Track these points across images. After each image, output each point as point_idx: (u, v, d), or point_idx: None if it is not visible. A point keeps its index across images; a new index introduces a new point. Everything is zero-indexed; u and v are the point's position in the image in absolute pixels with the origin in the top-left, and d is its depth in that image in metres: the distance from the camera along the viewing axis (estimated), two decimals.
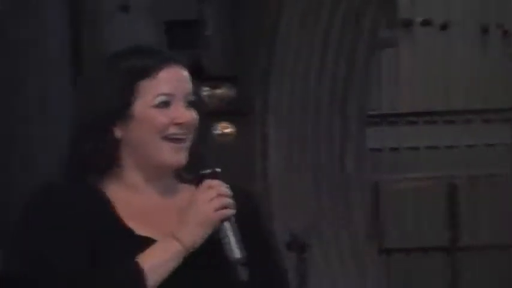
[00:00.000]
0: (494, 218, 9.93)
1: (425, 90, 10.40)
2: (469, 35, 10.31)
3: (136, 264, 1.59)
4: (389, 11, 8.76)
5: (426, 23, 10.21)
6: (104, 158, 1.72)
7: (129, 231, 1.67)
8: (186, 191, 1.78)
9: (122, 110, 1.68)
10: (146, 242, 1.66)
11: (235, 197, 1.71)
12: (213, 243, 1.66)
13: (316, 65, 8.25)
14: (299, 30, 8.17)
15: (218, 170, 1.74)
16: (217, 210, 1.65)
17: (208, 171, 1.72)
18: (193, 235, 1.66)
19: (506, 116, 10.52)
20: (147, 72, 1.69)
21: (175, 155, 1.70)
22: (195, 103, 1.74)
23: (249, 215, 1.76)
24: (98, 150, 1.70)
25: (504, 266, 9.94)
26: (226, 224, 1.66)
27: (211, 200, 1.66)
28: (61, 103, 7.22)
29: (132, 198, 1.74)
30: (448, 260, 10.15)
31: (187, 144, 1.72)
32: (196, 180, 1.74)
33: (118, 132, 1.69)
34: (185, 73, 1.74)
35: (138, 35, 7.49)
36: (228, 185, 1.71)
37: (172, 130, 1.69)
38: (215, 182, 1.70)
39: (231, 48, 8.07)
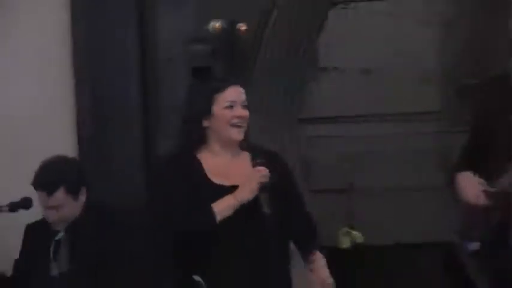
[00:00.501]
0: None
1: None
2: None
3: (211, 207, 2.97)
4: None
5: None
6: (198, 138, 3.15)
7: (211, 182, 3.09)
8: (244, 154, 3.19)
9: (207, 110, 3.10)
10: (221, 188, 3.06)
11: (271, 162, 3.13)
12: (255, 202, 3.00)
13: None
14: None
15: (263, 160, 3.11)
16: (259, 186, 3.00)
17: (260, 160, 3.09)
18: (244, 196, 3.01)
19: None
20: (220, 89, 3.12)
21: (237, 135, 3.08)
22: (247, 106, 3.18)
23: (284, 174, 3.20)
24: (195, 133, 3.14)
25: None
26: (263, 194, 3.01)
27: (257, 179, 3.02)
28: None
29: (214, 160, 3.16)
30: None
31: (243, 129, 3.12)
32: (253, 162, 3.11)
33: (205, 123, 3.10)
34: (241, 89, 3.17)
35: None
36: (267, 154, 3.18)
37: (235, 121, 3.08)
38: (262, 168, 3.06)
39: None
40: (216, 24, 5.07)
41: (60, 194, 4.14)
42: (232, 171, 3.16)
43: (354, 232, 7.94)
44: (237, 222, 3.05)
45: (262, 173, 3.07)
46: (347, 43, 9.25)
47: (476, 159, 4.19)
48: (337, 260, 4.10)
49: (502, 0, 6.74)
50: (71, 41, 6.24)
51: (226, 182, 3.11)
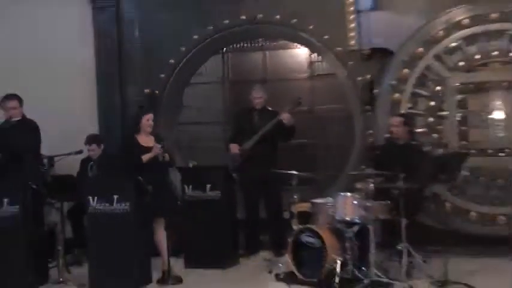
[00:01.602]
0: None
1: None
2: None
3: (141, 156, 7.78)
4: None
5: None
6: (137, 129, 8.11)
7: (142, 145, 7.88)
8: (152, 136, 8.05)
9: (140, 119, 8.07)
10: (146, 148, 7.84)
11: (161, 140, 8.14)
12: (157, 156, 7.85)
13: None
14: None
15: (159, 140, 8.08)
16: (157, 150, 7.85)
17: (158, 139, 8.06)
18: (152, 154, 7.76)
19: None
20: (145, 113, 8.21)
21: (149, 129, 8.15)
22: (152, 119, 8.15)
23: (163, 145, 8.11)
24: (136, 128, 8.13)
25: None
26: (160, 153, 7.91)
27: (157, 147, 7.86)
28: None
29: (142, 138, 7.96)
30: None
31: (151, 127, 8.13)
32: (156, 140, 7.99)
33: (140, 124, 8.12)
34: (152, 114, 8.23)
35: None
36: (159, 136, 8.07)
37: (149, 124, 8.11)
38: (158, 144, 7.97)
39: None
40: (147, 91, 9.86)
41: (95, 146, 9.38)
42: (149, 143, 7.91)
43: None
44: (151, 162, 7.83)
45: (158, 146, 7.82)
46: None
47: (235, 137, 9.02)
48: None
49: None
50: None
51: (146, 146, 7.89)
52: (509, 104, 8.74)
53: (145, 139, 8.13)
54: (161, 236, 7.89)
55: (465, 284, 7.17)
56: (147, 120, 8.15)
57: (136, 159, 7.91)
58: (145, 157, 7.93)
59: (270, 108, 9.29)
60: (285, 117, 8.91)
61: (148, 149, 7.97)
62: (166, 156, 8.05)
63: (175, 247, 8.30)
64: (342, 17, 9.48)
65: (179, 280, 7.96)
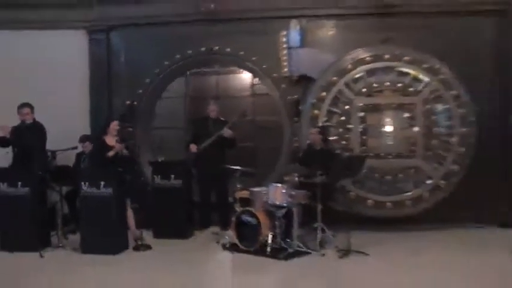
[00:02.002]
0: None
1: None
2: None
3: (108, 153, 7.93)
4: None
5: None
6: (105, 132, 8.19)
7: (107, 144, 7.98)
8: (115, 138, 8.14)
9: (109, 124, 8.23)
10: (110, 147, 7.94)
11: (124, 141, 8.28)
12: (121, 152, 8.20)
13: None
14: None
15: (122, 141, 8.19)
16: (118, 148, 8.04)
17: (120, 140, 8.19)
18: (114, 152, 7.92)
19: None
20: (113, 120, 8.29)
21: (115, 133, 8.22)
22: (120, 125, 8.29)
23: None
24: (104, 131, 8.28)
25: None
26: (123, 150, 8.09)
27: (120, 146, 8.01)
28: None
29: (109, 139, 8.01)
30: None
31: (116, 131, 8.23)
32: (117, 140, 8.16)
33: (108, 128, 8.24)
34: (117, 122, 8.27)
35: None
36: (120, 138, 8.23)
37: (115, 129, 8.21)
38: (120, 145, 8.13)
39: None
40: (127, 102, 9.76)
41: (87, 143, 9.13)
42: (113, 143, 7.99)
43: None
44: (114, 157, 7.95)
45: (119, 145, 7.96)
46: None
47: (194, 139, 9.28)
48: None
49: None
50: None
51: (111, 145, 8.00)
52: (396, 120, 8.83)
53: (111, 140, 8.21)
54: (129, 213, 8.08)
55: (362, 252, 7.34)
56: (114, 125, 8.24)
57: (102, 155, 8.07)
58: (109, 153, 8.04)
59: (222, 118, 9.26)
60: (227, 132, 8.96)
61: (111, 147, 8.12)
62: (125, 151, 8.17)
63: (146, 222, 8.38)
64: (277, 52, 9.50)
65: (149, 247, 7.94)
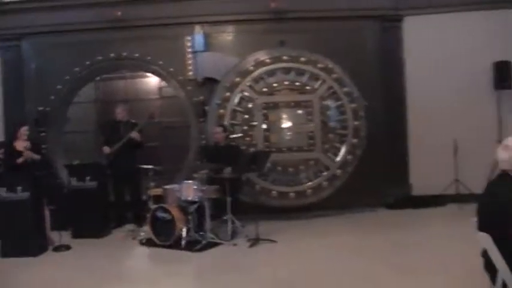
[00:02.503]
0: None
1: None
2: None
3: (16, 158, 7.91)
4: None
5: None
6: (15, 137, 8.11)
7: (17, 150, 7.94)
8: (26, 142, 8.07)
9: (18, 130, 8.19)
10: (20, 152, 7.94)
11: (35, 147, 8.35)
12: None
13: None
14: None
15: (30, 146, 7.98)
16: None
17: (29, 146, 8.09)
18: (25, 157, 7.95)
19: None
20: (22, 126, 8.29)
21: (24, 137, 8.11)
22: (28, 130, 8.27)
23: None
24: (15, 136, 8.15)
25: None
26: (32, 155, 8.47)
27: (29, 154, 8.15)
28: None
29: (18, 143, 7.97)
30: None
31: (26, 136, 8.13)
32: (26, 146, 8.16)
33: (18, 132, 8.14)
34: (27, 126, 8.19)
35: None
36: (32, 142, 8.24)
37: (24, 134, 8.11)
38: (29, 152, 8.25)
39: None
40: (40, 108, 9.67)
41: (2, 150, 9.02)
42: (21, 148, 7.90)
43: None
44: (25, 162, 7.99)
45: (30, 153, 7.88)
46: None
47: (106, 141, 9.88)
48: None
49: None
50: None
51: (20, 150, 7.91)
52: (295, 117, 9.33)
53: (21, 144, 8.21)
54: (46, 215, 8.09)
55: (270, 240, 7.78)
56: (24, 130, 8.25)
57: (12, 160, 8.09)
58: (18, 160, 8.06)
59: (132, 121, 9.42)
60: (135, 134, 9.16)
61: (21, 152, 8.12)
62: (36, 156, 8.18)
63: (64, 223, 8.46)
64: (183, 56, 9.85)
65: (68, 248, 8.04)
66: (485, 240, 3.37)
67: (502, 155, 3.57)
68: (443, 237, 7.53)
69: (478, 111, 9.65)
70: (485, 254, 3.53)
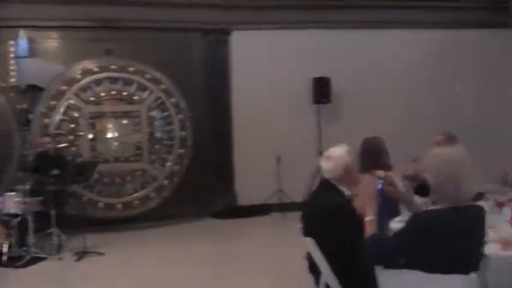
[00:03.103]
0: None
1: None
2: None
3: None
4: None
5: None
6: None
7: None
8: None
9: None
10: None
11: None
12: None
13: None
14: None
15: None
16: None
17: None
18: None
19: None
20: None
21: None
22: None
23: None
24: None
25: None
26: None
27: None
28: None
29: None
30: None
31: None
32: None
33: None
34: None
35: None
36: None
37: None
38: None
39: None
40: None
41: None
42: None
43: None
44: None
45: None
46: None
47: None
48: None
49: None
50: None
51: None
52: (122, 127, 9.41)
53: None
54: None
55: (97, 252, 7.74)
56: None
57: None
58: None
59: None
60: None
61: None
62: None
63: None
64: (5, 61, 9.46)
65: None
66: (309, 244, 3.64)
67: (325, 165, 3.82)
68: (269, 244, 7.97)
69: (300, 124, 10.24)
70: (309, 257, 3.79)
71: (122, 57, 9.58)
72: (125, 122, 9.42)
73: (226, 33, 10.47)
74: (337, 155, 3.82)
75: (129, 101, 9.49)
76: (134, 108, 9.45)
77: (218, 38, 10.49)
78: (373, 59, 10.41)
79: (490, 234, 3.59)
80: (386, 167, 4.80)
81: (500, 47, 9.61)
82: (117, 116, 9.38)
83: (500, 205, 4.28)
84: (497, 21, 9.82)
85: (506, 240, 3.44)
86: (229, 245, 8.16)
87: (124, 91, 9.47)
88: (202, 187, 9.90)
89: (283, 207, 9.72)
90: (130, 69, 9.52)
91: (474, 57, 10.45)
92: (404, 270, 2.94)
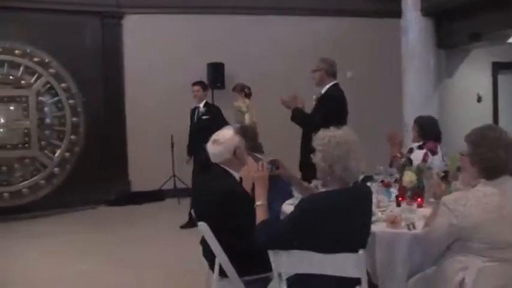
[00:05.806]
0: None
1: None
2: None
3: None
4: None
5: None
6: None
7: None
8: None
9: None
10: None
11: None
12: None
13: None
14: None
15: None
16: None
17: None
18: None
19: None
20: None
21: None
22: None
23: None
24: None
25: None
26: None
27: None
28: None
29: None
30: None
31: None
32: None
33: None
34: None
35: None
36: None
37: None
38: None
39: None
40: None
41: None
42: None
43: None
44: None
45: None
46: None
47: None
48: None
49: None
50: None
51: None
52: (8, 113, 9.00)
53: None
54: None
55: None
56: None
57: None
58: None
59: None
60: None
61: None
62: None
63: None
64: None
65: None
66: (203, 229, 3.59)
67: (212, 149, 3.78)
68: (164, 230, 7.90)
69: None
70: (203, 242, 3.76)
71: (7, 38, 9.09)
72: (12, 107, 8.99)
73: (120, 17, 10.19)
74: (225, 139, 3.78)
75: (17, 85, 9.06)
76: (22, 93, 9.04)
77: (111, 22, 10.19)
78: (268, 45, 10.46)
79: (377, 213, 3.75)
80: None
81: (391, 36, 9.90)
82: (3, 101, 8.97)
83: (387, 185, 4.45)
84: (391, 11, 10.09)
85: (392, 218, 3.57)
86: (124, 232, 7.97)
87: (10, 75, 9.04)
88: (96, 174, 9.61)
89: (177, 193, 9.63)
90: (17, 52, 9.09)
91: (366, 45, 10.71)
92: (297, 251, 2.99)
